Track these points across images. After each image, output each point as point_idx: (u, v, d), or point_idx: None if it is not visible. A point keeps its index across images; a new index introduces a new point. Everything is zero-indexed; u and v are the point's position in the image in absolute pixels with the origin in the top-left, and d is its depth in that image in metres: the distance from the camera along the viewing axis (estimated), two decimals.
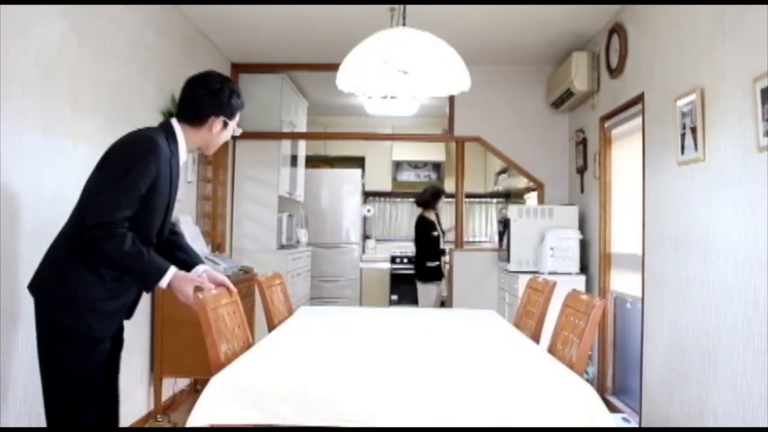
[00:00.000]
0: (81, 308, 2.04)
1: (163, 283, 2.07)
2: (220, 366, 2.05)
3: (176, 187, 2.24)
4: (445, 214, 6.78)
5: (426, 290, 5.92)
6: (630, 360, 4.09)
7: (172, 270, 2.10)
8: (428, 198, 6.03)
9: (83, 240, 2.02)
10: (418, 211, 6.30)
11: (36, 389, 2.22)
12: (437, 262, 5.94)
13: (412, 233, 8.50)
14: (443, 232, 6.09)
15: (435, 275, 5.92)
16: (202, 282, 2.16)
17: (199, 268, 2.31)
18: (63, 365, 2.04)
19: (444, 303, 6.14)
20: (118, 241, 1.99)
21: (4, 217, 2.45)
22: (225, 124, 2.26)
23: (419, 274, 6.00)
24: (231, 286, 2.33)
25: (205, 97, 2.22)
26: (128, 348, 3.57)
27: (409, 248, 8.08)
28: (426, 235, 5.98)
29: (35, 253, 2.65)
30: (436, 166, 8.60)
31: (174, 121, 2.25)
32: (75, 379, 2.04)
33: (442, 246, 5.99)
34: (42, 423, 2.15)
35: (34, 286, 2.11)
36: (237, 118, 2.32)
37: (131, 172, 2.04)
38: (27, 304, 2.22)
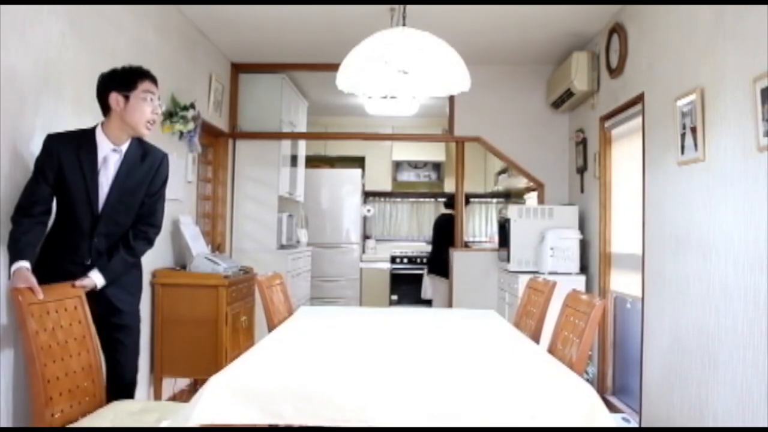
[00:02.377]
0: None
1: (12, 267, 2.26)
2: None
3: (96, 179, 2.46)
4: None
5: (443, 285, 6.04)
6: (630, 360, 4.09)
7: (18, 266, 2.25)
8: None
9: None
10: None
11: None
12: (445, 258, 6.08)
13: (412, 233, 8.60)
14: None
15: (445, 269, 6.01)
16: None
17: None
18: None
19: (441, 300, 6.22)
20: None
21: (4, 216, 2.45)
22: (126, 98, 2.45)
23: (441, 269, 6.14)
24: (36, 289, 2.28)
25: (97, 88, 2.52)
26: None
27: (409, 248, 8.10)
28: (452, 231, 5.97)
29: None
30: (436, 166, 8.60)
31: (97, 125, 2.52)
32: None
33: None
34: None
35: None
36: (141, 87, 2.49)
37: (33, 171, 2.42)
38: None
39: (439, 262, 6.33)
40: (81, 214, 2.45)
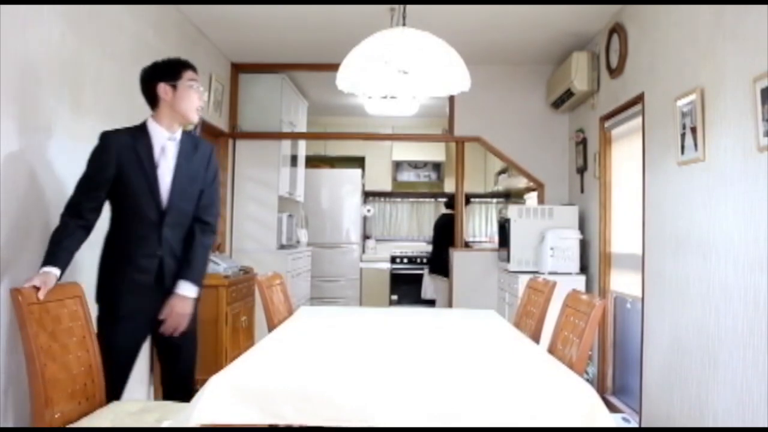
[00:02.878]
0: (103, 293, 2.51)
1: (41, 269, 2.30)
2: None
3: (158, 169, 2.51)
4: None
5: (445, 284, 6.08)
6: (630, 360, 4.09)
7: (45, 270, 2.28)
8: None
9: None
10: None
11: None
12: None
13: (412, 233, 8.60)
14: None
15: (445, 269, 6.07)
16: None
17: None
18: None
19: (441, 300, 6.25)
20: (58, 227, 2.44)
21: (4, 217, 2.45)
22: (173, 87, 2.53)
23: (442, 269, 6.19)
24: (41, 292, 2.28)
25: (142, 83, 2.58)
26: None
27: (409, 248, 8.10)
28: (452, 231, 6.04)
29: (35, 254, 2.66)
30: (436, 166, 8.60)
31: (148, 118, 2.58)
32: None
33: None
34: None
35: None
36: (186, 76, 2.57)
37: (87, 169, 2.48)
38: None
39: (440, 262, 6.37)
40: (146, 207, 2.48)
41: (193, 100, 2.57)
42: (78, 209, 2.42)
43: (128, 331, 2.48)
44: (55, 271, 2.28)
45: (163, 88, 2.52)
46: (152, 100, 2.55)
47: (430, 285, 6.96)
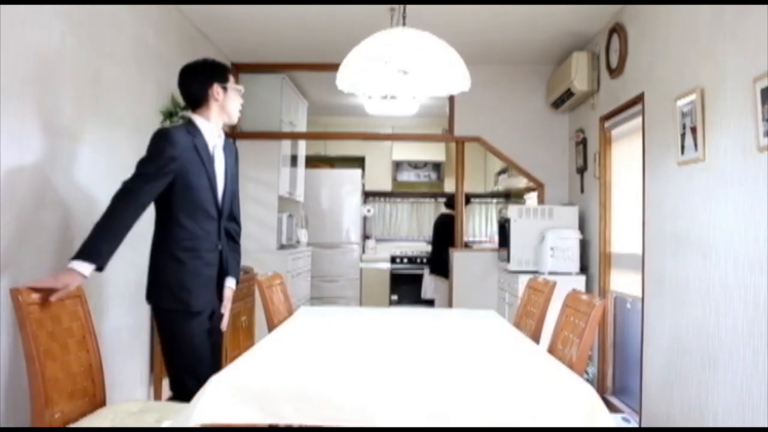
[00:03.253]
0: (173, 290, 2.49)
1: (76, 265, 2.23)
2: None
3: (213, 166, 2.58)
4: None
5: (445, 284, 6.11)
6: (630, 360, 4.09)
7: (84, 265, 2.23)
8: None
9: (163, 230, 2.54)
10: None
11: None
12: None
13: (412, 233, 8.60)
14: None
15: (445, 270, 6.10)
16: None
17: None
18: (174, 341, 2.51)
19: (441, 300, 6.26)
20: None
21: (3, 217, 2.45)
22: (224, 89, 2.58)
23: (442, 269, 6.22)
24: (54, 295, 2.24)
25: (191, 79, 2.57)
26: (128, 348, 3.59)
27: (409, 248, 8.10)
28: (452, 231, 6.10)
29: (36, 253, 2.66)
30: (436, 166, 8.60)
31: (192, 115, 2.59)
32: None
33: None
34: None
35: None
36: (231, 79, 2.63)
37: (152, 160, 2.46)
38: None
39: (439, 262, 6.39)
40: (207, 203, 2.54)
41: (238, 104, 2.66)
42: (138, 195, 2.40)
43: (203, 325, 2.55)
44: (88, 272, 2.25)
45: (216, 89, 2.56)
46: (201, 98, 2.57)
47: (430, 285, 6.96)
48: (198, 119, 2.58)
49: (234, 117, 2.67)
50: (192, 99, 2.59)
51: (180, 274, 2.49)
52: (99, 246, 2.27)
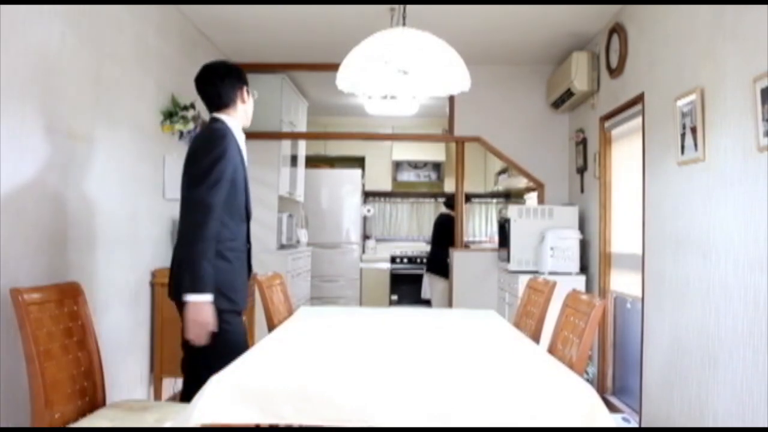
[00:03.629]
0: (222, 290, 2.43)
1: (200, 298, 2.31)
2: None
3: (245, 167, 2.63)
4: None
5: (442, 284, 6.22)
6: (630, 360, 4.09)
7: (207, 295, 2.32)
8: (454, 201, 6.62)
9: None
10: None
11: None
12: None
13: (412, 233, 8.60)
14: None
15: (445, 270, 6.17)
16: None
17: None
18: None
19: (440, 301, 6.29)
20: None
21: (4, 216, 2.45)
22: (247, 91, 2.65)
23: (440, 269, 6.32)
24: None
25: (223, 81, 2.56)
26: (128, 348, 3.59)
27: (409, 248, 8.10)
28: (450, 231, 6.17)
29: (35, 253, 2.66)
30: (436, 166, 8.60)
31: (219, 115, 2.58)
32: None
33: None
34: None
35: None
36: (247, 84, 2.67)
37: (220, 166, 2.44)
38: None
39: (437, 262, 6.43)
40: (242, 203, 2.58)
41: (252, 107, 2.73)
42: (216, 208, 2.37)
43: (244, 324, 2.61)
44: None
45: (244, 93, 2.62)
46: (230, 101, 2.58)
47: (428, 285, 7.00)
48: (228, 119, 2.58)
49: (249, 120, 2.72)
50: (219, 100, 2.58)
51: (230, 273, 2.47)
52: (206, 272, 2.32)
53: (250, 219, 2.65)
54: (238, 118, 2.62)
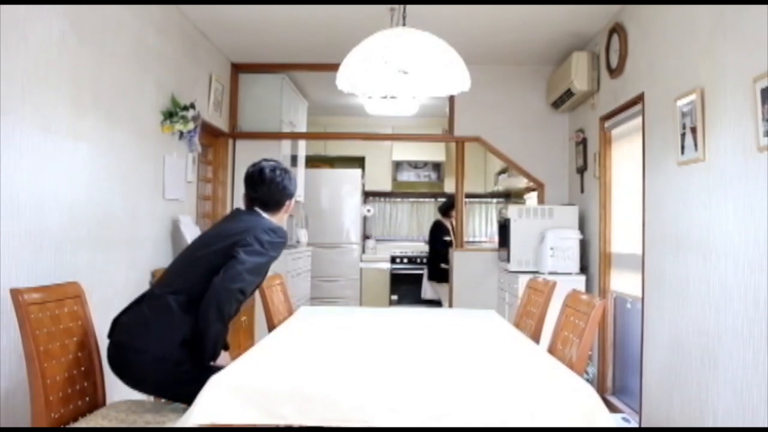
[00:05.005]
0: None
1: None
2: None
3: None
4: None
5: (443, 288, 6.36)
6: (630, 360, 4.09)
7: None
8: (446, 207, 6.81)
9: None
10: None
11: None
12: (448, 265, 6.26)
13: (412, 233, 8.61)
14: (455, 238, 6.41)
15: (444, 276, 6.30)
16: None
17: None
18: None
19: (440, 303, 6.33)
20: None
21: (4, 216, 2.45)
22: (294, 201, 2.75)
23: (432, 275, 6.61)
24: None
25: (282, 189, 2.64)
26: None
27: (409, 248, 8.11)
28: (440, 238, 6.54)
29: (35, 253, 2.66)
30: (436, 166, 8.60)
31: (265, 214, 2.63)
32: None
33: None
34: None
35: None
36: None
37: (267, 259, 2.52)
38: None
39: (433, 270, 6.69)
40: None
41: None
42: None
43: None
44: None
45: (289, 204, 2.71)
46: (279, 206, 2.66)
47: (429, 288, 7.12)
48: (273, 219, 2.64)
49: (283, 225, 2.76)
50: (273, 201, 2.63)
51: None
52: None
53: None
54: (275, 220, 2.67)
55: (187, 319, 2.29)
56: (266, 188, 2.61)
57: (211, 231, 2.64)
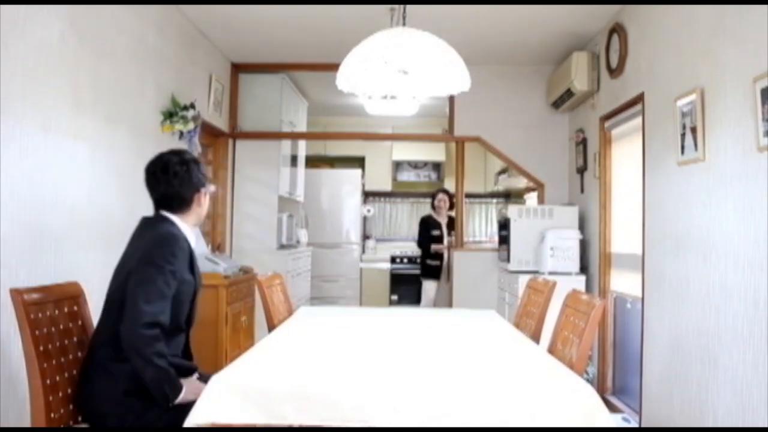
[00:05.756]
0: None
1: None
2: None
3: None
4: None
5: (425, 286, 6.34)
6: (630, 360, 4.09)
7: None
8: (431, 200, 6.58)
9: None
10: (428, 211, 6.71)
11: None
12: (437, 261, 6.25)
13: (412, 233, 8.58)
14: (448, 232, 6.30)
15: (432, 273, 6.28)
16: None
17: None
18: None
19: (435, 303, 6.27)
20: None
21: (4, 216, 2.45)
22: (206, 194, 2.35)
23: (420, 271, 6.49)
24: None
25: (181, 184, 2.26)
26: None
27: (409, 248, 8.10)
28: (424, 233, 6.38)
29: (35, 253, 2.66)
30: (436, 166, 8.60)
31: (169, 216, 2.28)
32: None
33: (444, 244, 6.26)
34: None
35: None
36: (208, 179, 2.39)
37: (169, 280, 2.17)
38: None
39: (420, 264, 6.58)
40: (183, 316, 2.29)
41: (207, 207, 2.41)
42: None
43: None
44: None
45: (203, 196, 2.34)
46: (185, 203, 2.29)
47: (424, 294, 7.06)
48: (179, 222, 2.29)
49: (201, 221, 2.44)
50: (177, 199, 2.27)
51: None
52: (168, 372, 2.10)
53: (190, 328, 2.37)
54: (190, 221, 2.33)
55: (123, 368, 2.09)
56: (164, 186, 2.26)
57: (121, 258, 2.27)
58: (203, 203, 2.35)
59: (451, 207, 6.19)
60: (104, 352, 2.13)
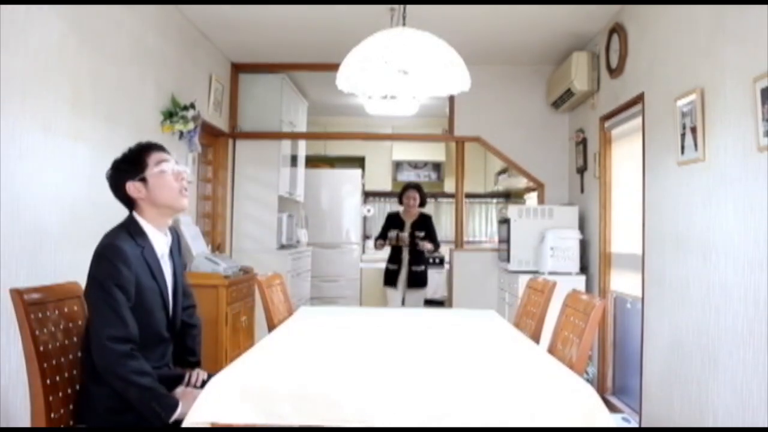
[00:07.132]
0: None
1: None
2: None
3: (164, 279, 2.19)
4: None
5: (386, 296, 5.57)
6: (630, 360, 4.09)
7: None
8: (399, 195, 5.54)
9: None
10: (429, 210, 5.93)
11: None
12: (394, 265, 5.36)
13: None
14: (411, 232, 5.23)
15: (387, 279, 5.44)
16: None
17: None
18: None
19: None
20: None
21: (3, 216, 2.45)
22: (144, 181, 2.11)
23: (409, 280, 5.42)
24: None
25: (111, 188, 2.16)
26: None
27: None
28: (381, 231, 5.45)
29: (35, 253, 2.66)
30: (436, 166, 8.61)
31: (135, 215, 2.16)
32: None
33: (402, 244, 5.23)
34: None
35: None
36: (152, 159, 2.14)
37: (113, 293, 2.00)
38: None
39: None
40: (160, 324, 2.17)
41: (172, 185, 2.15)
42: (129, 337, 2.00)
43: None
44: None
45: (133, 187, 2.11)
46: (128, 202, 2.16)
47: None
48: (142, 221, 2.15)
49: (176, 204, 2.17)
50: (118, 197, 2.16)
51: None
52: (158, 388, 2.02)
53: (173, 335, 2.25)
54: (148, 214, 2.15)
55: (100, 390, 2.03)
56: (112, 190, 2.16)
57: None
58: (144, 191, 2.11)
59: (422, 204, 5.35)
60: (85, 372, 2.10)
